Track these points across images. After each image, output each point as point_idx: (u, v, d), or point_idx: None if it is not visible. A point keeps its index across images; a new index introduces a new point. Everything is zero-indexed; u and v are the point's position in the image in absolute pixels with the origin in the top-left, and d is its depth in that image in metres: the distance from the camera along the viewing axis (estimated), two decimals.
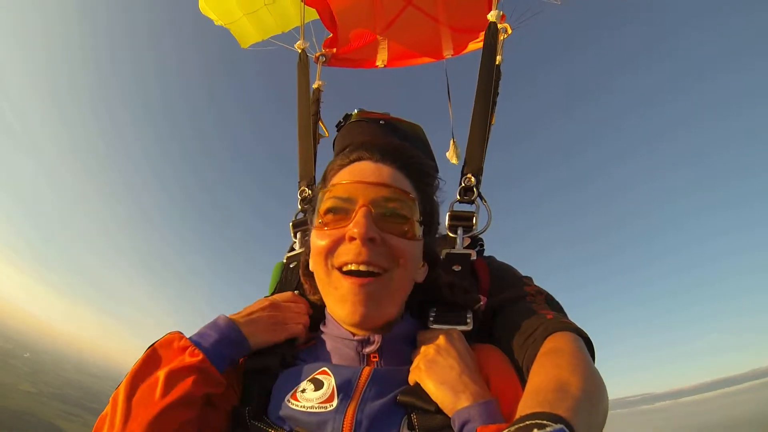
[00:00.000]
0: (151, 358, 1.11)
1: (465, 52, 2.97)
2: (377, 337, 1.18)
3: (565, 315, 1.40)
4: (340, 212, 1.17)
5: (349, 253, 1.12)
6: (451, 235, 1.86)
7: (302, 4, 2.84)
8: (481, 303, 1.35)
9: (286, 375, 1.20)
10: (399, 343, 1.23)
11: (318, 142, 2.53)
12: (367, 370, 1.14)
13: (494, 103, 2.23)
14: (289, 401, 1.11)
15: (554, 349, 1.12)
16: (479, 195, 1.93)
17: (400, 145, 1.33)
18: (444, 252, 1.69)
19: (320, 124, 2.61)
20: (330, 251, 1.16)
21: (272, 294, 1.57)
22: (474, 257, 1.66)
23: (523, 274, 1.69)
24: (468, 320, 1.27)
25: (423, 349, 1.16)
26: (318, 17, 2.97)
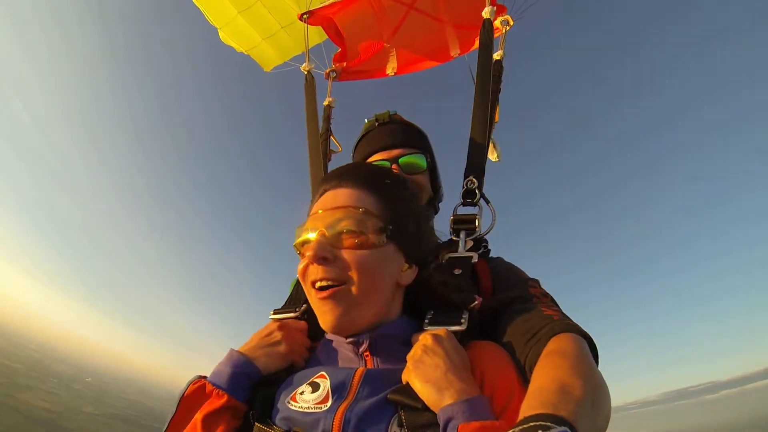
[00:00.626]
0: (185, 407, 1.24)
1: (472, 49, 2.89)
2: (365, 336, 1.25)
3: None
4: (308, 242, 1.27)
5: (312, 273, 1.24)
6: (454, 238, 1.86)
7: (306, 26, 2.88)
8: (477, 302, 1.35)
9: (289, 380, 1.29)
10: (393, 343, 1.28)
11: (330, 159, 2.57)
12: (360, 370, 1.21)
13: (495, 100, 2.19)
14: (288, 402, 1.19)
15: (558, 350, 1.13)
16: (482, 196, 1.93)
17: (356, 166, 1.48)
18: (446, 256, 1.70)
19: (333, 140, 2.62)
20: (304, 273, 1.27)
21: (285, 304, 1.74)
22: (475, 259, 1.65)
23: (531, 276, 1.67)
24: (462, 321, 1.28)
25: (413, 349, 1.20)
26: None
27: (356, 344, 1.26)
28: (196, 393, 1.26)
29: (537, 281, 1.61)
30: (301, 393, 1.20)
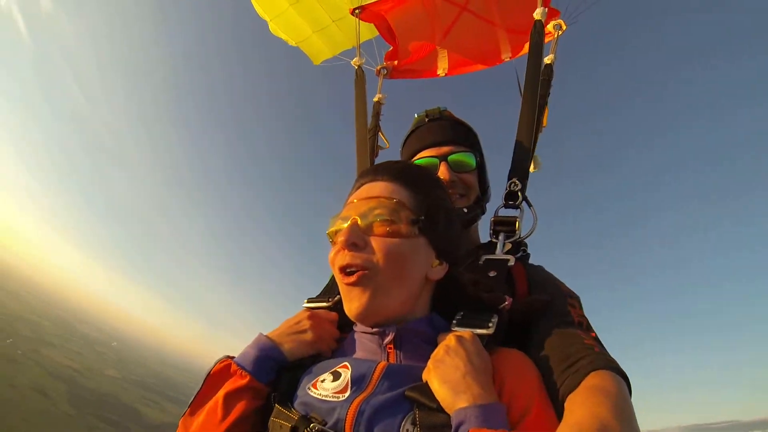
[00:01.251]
0: (210, 385, 1.31)
1: (522, 53, 2.89)
2: (392, 328, 1.25)
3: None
4: (341, 230, 1.29)
5: (342, 259, 1.26)
6: (493, 240, 1.87)
7: (358, 21, 2.89)
8: (506, 303, 1.33)
9: (315, 367, 1.30)
10: (418, 340, 1.28)
11: (377, 155, 2.57)
12: (382, 364, 1.21)
13: (544, 104, 2.19)
14: (309, 389, 1.21)
15: (599, 387, 1.11)
16: (525, 199, 1.92)
17: (392, 162, 1.47)
18: (483, 258, 1.69)
19: (381, 136, 2.64)
20: (334, 260, 1.29)
21: (320, 293, 1.78)
22: (512, 263, 1.64)
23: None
24: (490, 324, 1.27)
25: (437, 349, 1.19)
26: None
27: (381, 335, 1.27)
28: (221, 371, 1.32)
29: (577, 298, 1.56)
30: (323, 381, 1.21)
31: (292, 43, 3.41)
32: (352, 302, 1.26)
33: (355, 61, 2.84)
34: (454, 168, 1.97)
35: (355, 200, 1.33)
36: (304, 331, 1.41)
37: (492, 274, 1.59)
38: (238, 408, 1.23)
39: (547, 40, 2.31)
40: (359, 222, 1.26)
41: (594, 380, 1.13)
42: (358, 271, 1.23)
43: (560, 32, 2.41)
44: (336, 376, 1.21)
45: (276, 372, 1.33)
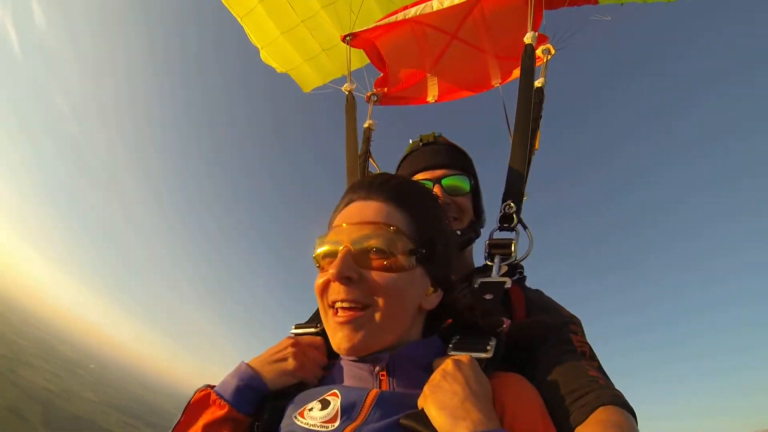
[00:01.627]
0: (189, 414, 1.27)
1: (511, 79, 2.96)
2: (385, 355, 1.18)
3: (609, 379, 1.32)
4: (330, 255, 1.20)
5: (334, 292, 1.18)
6: (488, 263, 1.86)
7: (349, 48, 2.92)
8: (504, 326, 1.29)
9: (302, 395, 1.25)
10: (412, 366, 1.21)
11: None
12: (373, 392, 1.14)
13: (536, 128, 2.21)
14: (296, 417, 1.16)
15: (609, 422, 1.10)
16: (520, 221, 1.94)
17: (387, 178, 1.34)
18: (478, 281, 1.67)
19: (371, 161, 2.67)
20: (324, 290, 1.22)
21: (309, 318, 1.72)
22: (509, 285, 1.61)
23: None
24: (488, 348, 1.21)
25: (433, 375, 1.13)
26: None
27: (373, 362, 1.19)
28: (201, 401, 1.28)
29: (578, 323, 1.54)
30: (310, 409, 1.16)
31: (281, 70, 3.46)
32: (341, 341, 1.17)
33: (345, 87, 2.88)
34: (448, 191, 2.00)
35: (344, 224, 1.22)
36: (285, 359, 1.35)
37: (488, 296, 1.57)
38: None
39: (537, 64, 2.36)
40: (352, 250, 1.17)
41: (603, 415, 1.12)
42: (351, 308, 1.16)
43: (549, 56, 2.47)
44: (325, 404, 1.15)
45: (258, 401, 1.29)
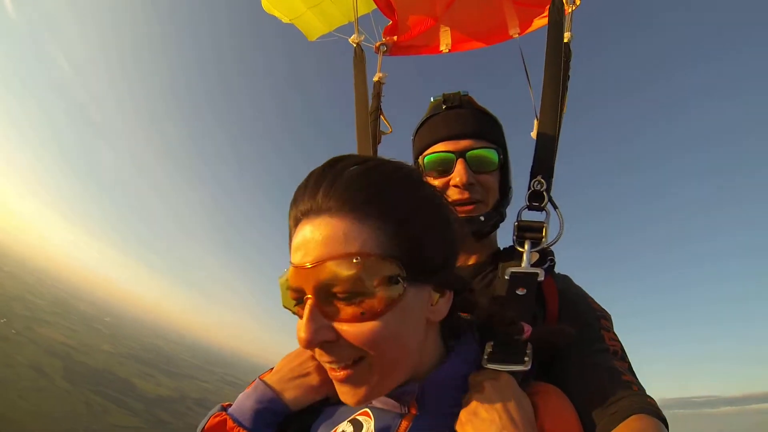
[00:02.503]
0: None
1: (531, 29, 2.68)
2: (411, 388, 1.02)
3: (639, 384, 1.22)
4: (299, 303, 0.97)
5: (318, 355, 0.99)
6: (518, 249, 1.62)
7: None
8: (525, 333, 1.17)
9: (328, 412, 1.15)
10: (444, 389, 1.06)
11: (380, 141, 2.32)
12: (407, 419, 1.02)
13: (565, 89, 1.94)
14: None
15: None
16: (550, 200, 1.70)
17: (337, 171, 0.97)
18: (508, 270, 1.47)
19: (383, 119, 2.37)
20: (308, 350, 1.05)
21: None
22: (542, 277, 1.43)
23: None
24: (526, 359, 1.10)
25: (468, 396, 1.02)
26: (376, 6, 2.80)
27: (399, 398, 1.04)
28: (216, 428, 1.14)
29: (609, 318, 1.43)
30: None
31: (285, 20, 3.26)
32: (346, 397, 0.99)
33: (353, 39, 2.59)
34: (473, 166, 1.68)
35: (303, 263, 0.91)
36: (307, 374, 1.19)
37: (520, 291, 1.40)
38: None
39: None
40: (318, 304, 0.91)
41: (634, 424, 1.07)
42: (341, 367, 0.95)
43: (574, 7, 2.19)
44: (357, 426, 1.05)
45: (280, 422, 1.18)
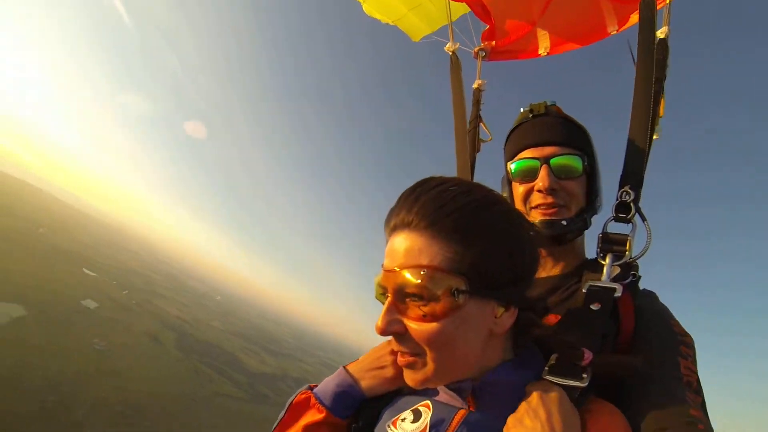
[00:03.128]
0: (292, 414, 1.34)
1: (628, 26, 2.59)
2: (466, 385, 1.11)
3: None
4: (383, 300, 1.13)
5: (393, 344, 1.14)
6: (600, 261, 1.59)
7: (448, 1, 2.69)
8: (584, 361, 1.16)
9: (397, 400, 1.27)
10: (501, 390, 1.12)
11: (479, 149, 2.39)
12: (461, 413, 1.11)
13: (660, 90, 1.85)
14: (389, 426, 1.18)
15: None
16: (638, 212, 1.65)
17: (421, 192, 1.11)
18: (587, 283, 1.46)
19: (483, 126, 2.43)
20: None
21: None
22: (619, 293, 1.39)
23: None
24: (584, 375, 1.11)
25: (520, 404, 1.06)
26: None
27: (457, 391, 1.13)
28: (302, 403, 1.34)
29: (691, 344, 1.37)
30: (403, 420, 1.17)
31: (389, 21, 3.35)
32: (407, 379, 1.13)
33: (448, 47, 2.64)
34: (557, 173, 1.68)
35: (387, 268, 1.10)
36: (384, 367, 1.32)
37: (595, 307, 1.38)
38: None
39: (658, 6, 1.96)
40: (395, 302, 1.08)
41: None
42: (404, 354, 1.10)
43: None
44: (417, 415, 1.16)
45: (355, 406, 1.32)
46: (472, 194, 1.09)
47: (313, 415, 1.29)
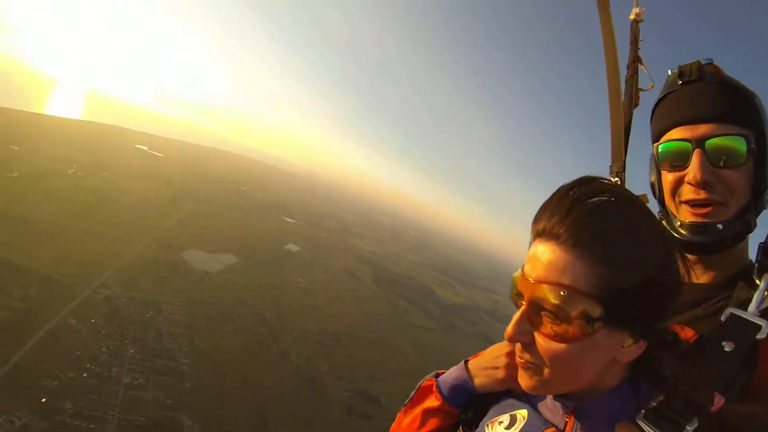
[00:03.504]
0: (419, 395, 1.48)
1: None
2: (569, 403, 1.12)
3: None
4: (518, 303, 1.11)
5: (517, 348, 1.14)
6: (756, 281, 1.22)
7: None
8: (714, 407, 1.01)
9: (504, 401, 1.31)
10: (600, 419, 1.08)
11: (637, 103, 1.86)
12: (550, 431, 1.12)
13: None
14: (487, 425, 1.24)
15: None
16: None
17: (576, 197, 1.04)
18: (728, 310, 1.15)
19: (642, 67, 1.86)
20: None
21: None
22: (762, 335, 1.09)
23: None
24: (687, 429, 0.98)
25: None
26: None
27: (561, 403, 1.14)
28: (426, 388, 1.46)
29: None
30: (500, 423, 1.21)
31: None
32: (521, 380, 1.12)
33: None
34: (713, 159, 1.31)
35: (527, 276, 1.06)
36: (497, 368, 1.34)
37: (729, 347, 1.10)
38: (431, 424, 1.40)
39: None
40: (527, 311, 1.06)
41: None
42: (527, 361, 1.09)
43: None
44: (512, 421, 1.19)
45: (468, 398, 1.39)
46: (628, 217, 1.02)
47: (432, 401, 1.42)
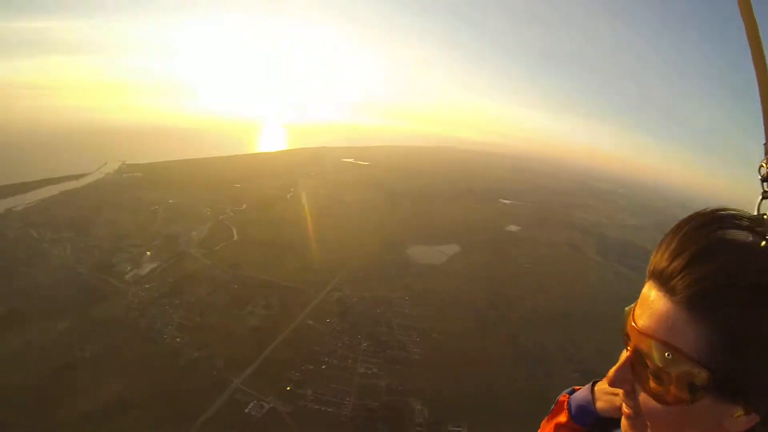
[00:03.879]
0: (555, 410, 1.67)
1: None
2: None
3: None
4: (626, 343, 1.10)
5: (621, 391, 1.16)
6: None
7: None
8: None
9: (618, 428, 1.26)
10: None
11: None
12: None
13: None
14: None
15: None
16: None
17: (698, 250, 0.92)
18: None
19: None
20: None
21: None
22: None
23: None
24: None
25: None
26: None
27: None
28: (560, 404, 1.65)
29: None
30: None
31: None
32: (623, 426, 1.17)
33: None
34: None
35: (637, 322, 1.04)
36: (617, 394, 1.30)
37: None
38: None
39: None
40: (633, 359, 1.05)
41: None
42: (630, 409, 1.12)
43: None
44: None
45: (593, 419, 1.53)
46: (761, 288, 0.86)
47: (562, 417, 1.55)
